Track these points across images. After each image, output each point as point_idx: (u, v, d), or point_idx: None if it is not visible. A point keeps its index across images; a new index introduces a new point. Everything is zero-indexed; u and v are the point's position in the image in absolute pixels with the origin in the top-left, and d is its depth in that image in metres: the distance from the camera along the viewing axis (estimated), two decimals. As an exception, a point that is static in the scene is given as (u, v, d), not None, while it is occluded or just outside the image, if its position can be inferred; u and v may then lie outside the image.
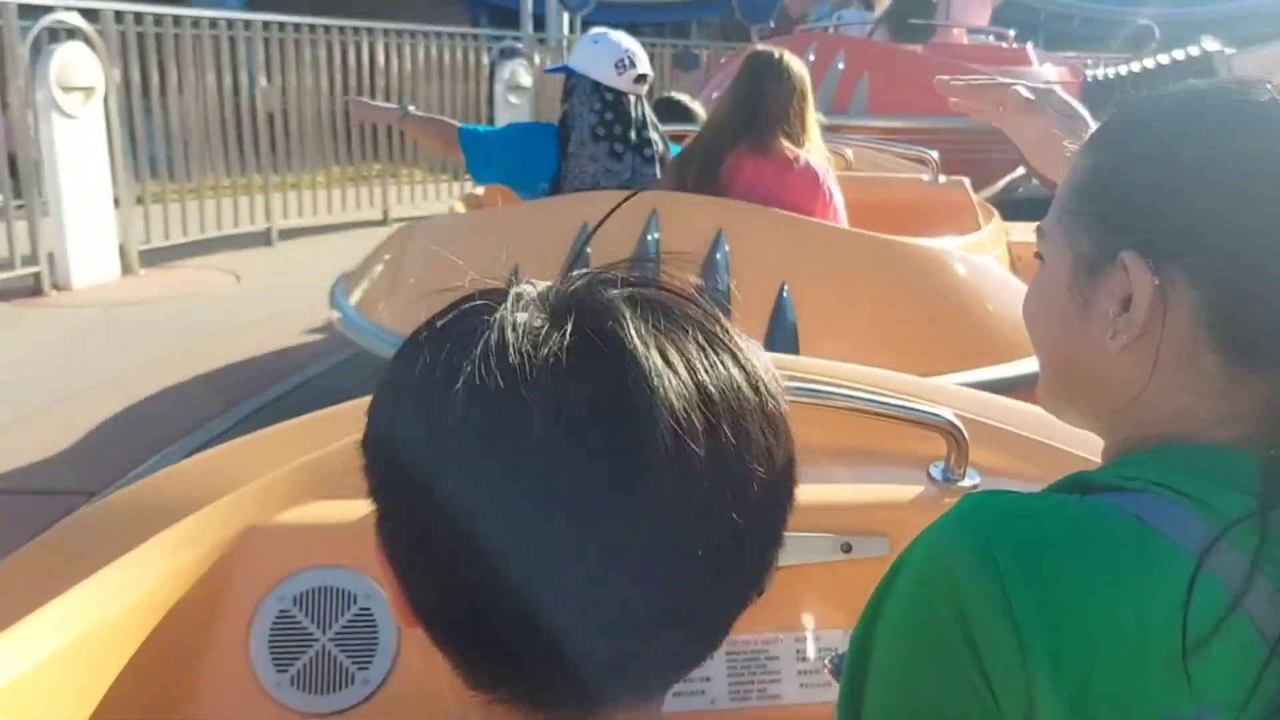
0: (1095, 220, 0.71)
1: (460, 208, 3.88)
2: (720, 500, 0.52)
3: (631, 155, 3.06)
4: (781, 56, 2.96)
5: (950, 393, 1.54)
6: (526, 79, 9.41)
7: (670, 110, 4.00)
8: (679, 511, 0.50)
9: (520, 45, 9.87)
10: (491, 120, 8.90)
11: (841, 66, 5.30)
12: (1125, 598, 0.62)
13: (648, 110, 3.17)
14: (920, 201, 3.88)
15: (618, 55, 3.05)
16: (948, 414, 1.29)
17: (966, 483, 1.30)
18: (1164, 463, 0.68)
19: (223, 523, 1.17)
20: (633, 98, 3.09)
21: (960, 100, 1.21)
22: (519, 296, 0.54)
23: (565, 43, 11.11)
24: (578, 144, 3.06)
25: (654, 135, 3.14)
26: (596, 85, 3.06)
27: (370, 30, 8.36)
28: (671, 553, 0.51)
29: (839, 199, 3.01)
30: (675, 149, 3.22)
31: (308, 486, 1.24)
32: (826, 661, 1.12)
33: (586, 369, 0.50)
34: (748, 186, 2.90)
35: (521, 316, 0.53)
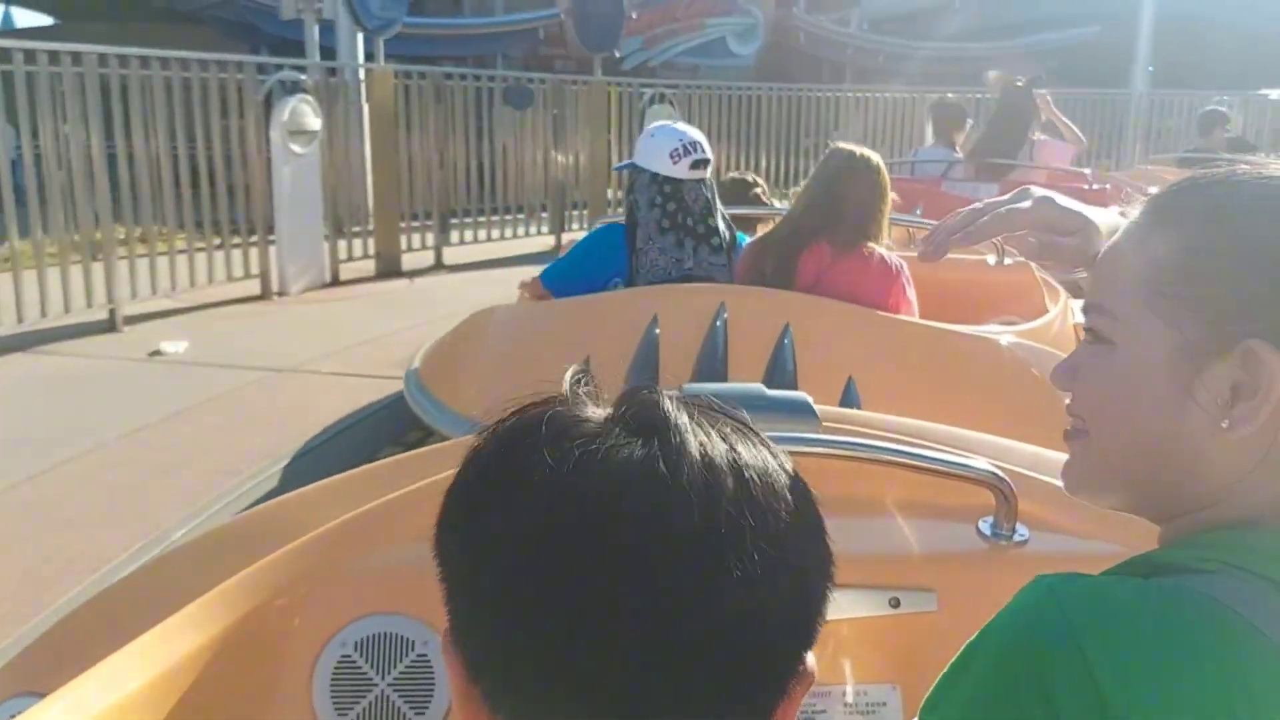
0: (1206, 304, 0.68)
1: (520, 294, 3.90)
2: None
3: (696, 244, 3.05)
4: (863, 155, 2.97)
5: (999, 447, 1.52)
6: (314, 121, 7.59)
7: (739, 191, 4.02)
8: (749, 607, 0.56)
9: (303, 79, 7.78)
10: (269, 173, 7.39)
11: (920, 212, 5.11)
12: (1220, 692, 0.59)
13: (712, 196, 3.14)
14: (986, 284, 3.84)
15: (672, 144, 3.04)
16: (996, 469, 1.27)
17: (1016, 538, 1.27)
18: (1241, 544, 0.66)
19: (287, 570, 1.20)
20: (691, 184, 3.06)
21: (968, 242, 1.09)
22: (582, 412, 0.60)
23: (362, 75, 8.73)
24: (645, 239, 3.05)
25: (719, 223, 3.12)
26: (654, 176, 3.04)
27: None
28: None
29: (912, 292, 2.98)
30: (742, 238, 3.22)
31: (367, 535, 1.26)
32: None
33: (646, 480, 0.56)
34: (825, 281, 2.89)
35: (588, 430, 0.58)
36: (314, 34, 9.95)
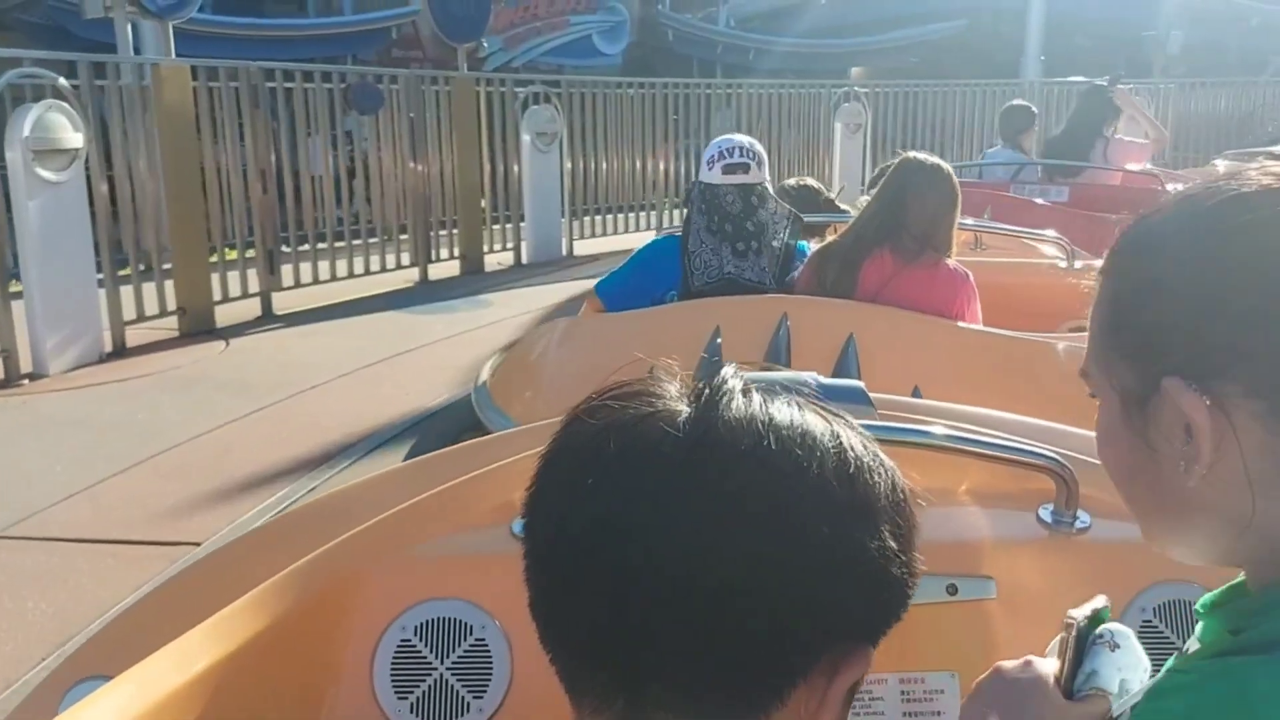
0: (1129, 352, 0.67)
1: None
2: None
3: (732, 248, 3.06)
4: (934, 165, 2.95)
5: (1058, 433, 1.47)
6: (72, 136, 5.35)
7: (807, 198, 3.90)
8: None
9: (59, 81, 5.40)
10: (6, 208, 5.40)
11: (988, 216, 4.87)
12: None
13: (759, 201, 3.11)
14: (1054, 288, 3.66)
15: (712, 151, 3.15)
16: (1056, 454, 1.27)
17: (1077, 525, 1.27)
18: None
19: (349, 556, 1.22)
20: (726, 189, 3.08)
21: None
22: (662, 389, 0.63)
23: (146, 73, 6.16)
24: (696, 243, 3.09)
25: (762, 228, 3.09)
26: (698, 184, 3.16)
27: None
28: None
29: (977, 304, 2.96)
30: (803, 246, 3.22)
31: (427, 522, 1.28)
32: None
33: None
34: (888, 290, 2.88)
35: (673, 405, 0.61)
36: (128, 35, 7.75)
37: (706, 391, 0.61)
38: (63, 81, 5.47)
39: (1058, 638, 0.80)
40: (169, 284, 6.28)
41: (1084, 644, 0.78)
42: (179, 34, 7.46)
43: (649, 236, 10.51)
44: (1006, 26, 21.64)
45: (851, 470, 0.60)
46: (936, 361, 2.71)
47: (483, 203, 8.93)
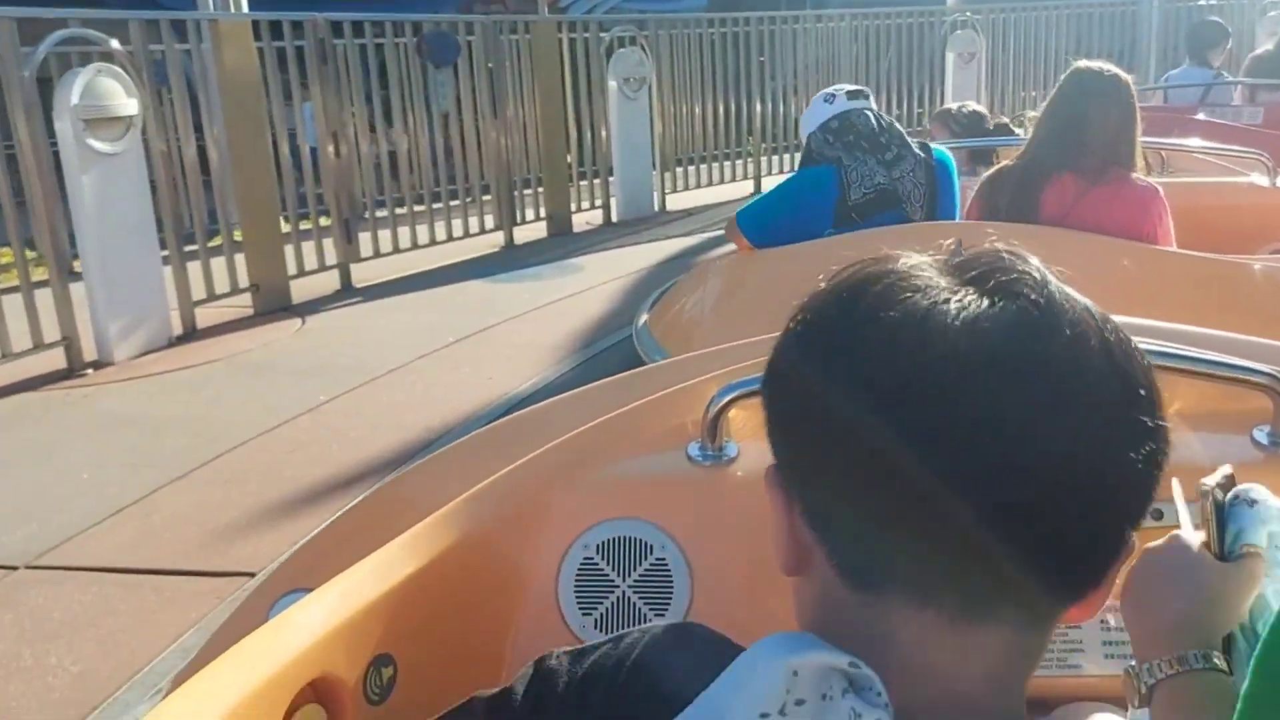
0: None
1: None
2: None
3: (871, 159, 2.95)
4: (1111, 74, 2.73)
5: (1276, 350, 1.39)
6: (126, 103, 4.83)
7: (975, 123, 3.94)
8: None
9: (111, 44, 4.91)
10: (60, 183, 4.91)
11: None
12: None
13: (889, 123, 3.05)
14: (1253, 209, 3.49)
15: (823, 95, 3.11)
16: (1275, 371, 1.21)
17: None
18: None
19: (532, 478, 1.25)
20: (855, 111, 3.01)
21: None
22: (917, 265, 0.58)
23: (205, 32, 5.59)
24: (850, 158, 2.96)
25: (890, 136, 3.00)
26: (821, 126, 3.02)
27: None
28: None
29: (1169, 222, 2.74)
30: (942, 155, 3.10)
31: (607, 444, 1.30)
32: (1126, 670, 0.82)
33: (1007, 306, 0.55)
34: (1072, 215, 2.69)
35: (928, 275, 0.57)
36: None
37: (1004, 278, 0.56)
38: (115, 43, 5.01)
39: (1187, 508, 0.86)
40: (241, 259, 5.83)
41: (1223, 508, 0.80)
42: None
43: (746, 187, 9.88)
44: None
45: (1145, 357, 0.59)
46: (1127, 287, 2.50)
47: (569, 158, 8.32)
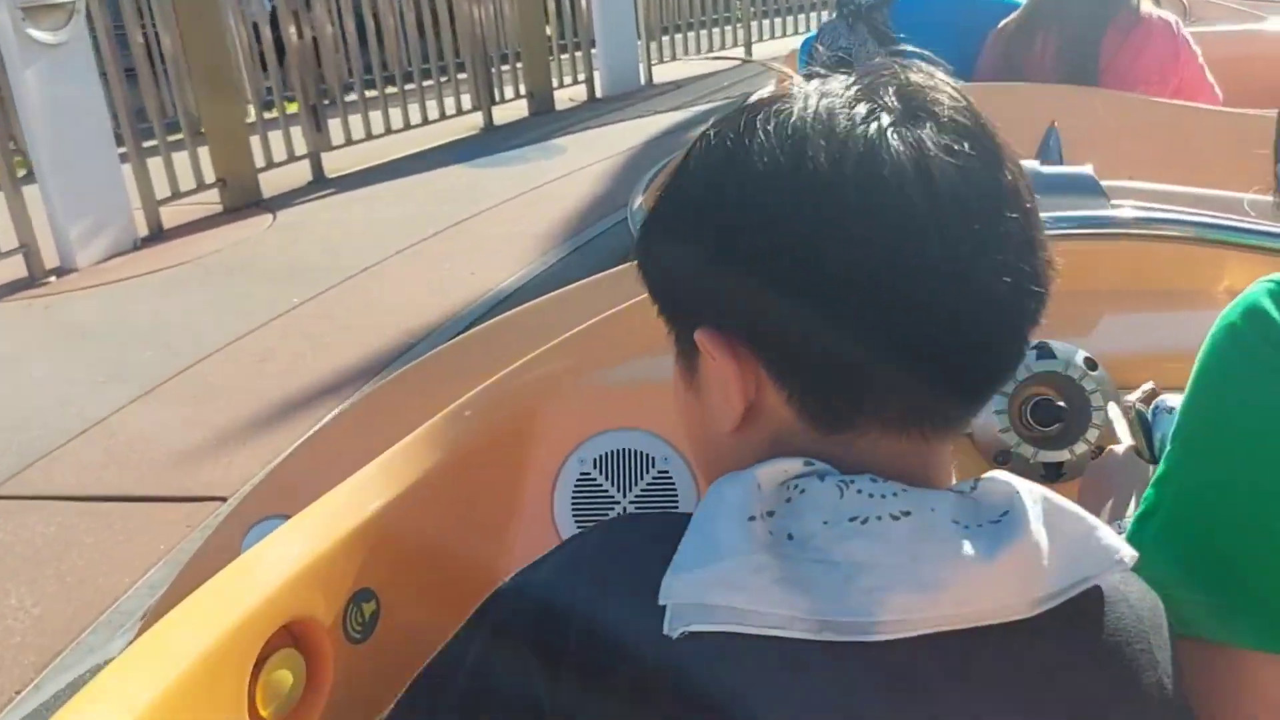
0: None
1: None
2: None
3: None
4: None
5: None
6: None
7: None
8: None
9: None
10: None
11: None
12: None
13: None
14: None
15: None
16: None
17: None
18: None
19: (522, 386, 1.15)
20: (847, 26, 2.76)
21: None
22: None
23: None
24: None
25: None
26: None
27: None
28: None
29: (1200, 60, 2.45)
30: None
31: (602, 348, 1.19)
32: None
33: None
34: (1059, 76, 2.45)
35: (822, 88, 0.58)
36: None
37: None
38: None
39: (1115, 420, 0.99)
40: (205, 153, 5.51)
41: (1146, 418, 0.91)
42: None
43: (738, 54, 9.44)
44: None
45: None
46: (1159, 150, 2.31)
47: (548, 30, 7.87)
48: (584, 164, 5.80)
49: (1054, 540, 0.54)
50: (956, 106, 0.57)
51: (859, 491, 0.53)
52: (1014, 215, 0.56)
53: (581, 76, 8.02)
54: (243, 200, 5.53)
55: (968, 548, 0.52)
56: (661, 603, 0.53)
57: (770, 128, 0.56)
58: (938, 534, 0.53)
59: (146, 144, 5.19)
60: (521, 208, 5.12)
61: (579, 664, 0.55)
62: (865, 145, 0.54)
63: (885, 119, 0.55)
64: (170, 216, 5.25)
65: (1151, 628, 0.58)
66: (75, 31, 4.64)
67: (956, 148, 0.55)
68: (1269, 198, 1.36)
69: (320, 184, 5.94)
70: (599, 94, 7.96)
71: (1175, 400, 0.84)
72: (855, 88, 0.57)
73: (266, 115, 6.02)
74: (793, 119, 0.56)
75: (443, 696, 0.59)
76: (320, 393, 3.23)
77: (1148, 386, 0.95)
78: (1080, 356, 1.18)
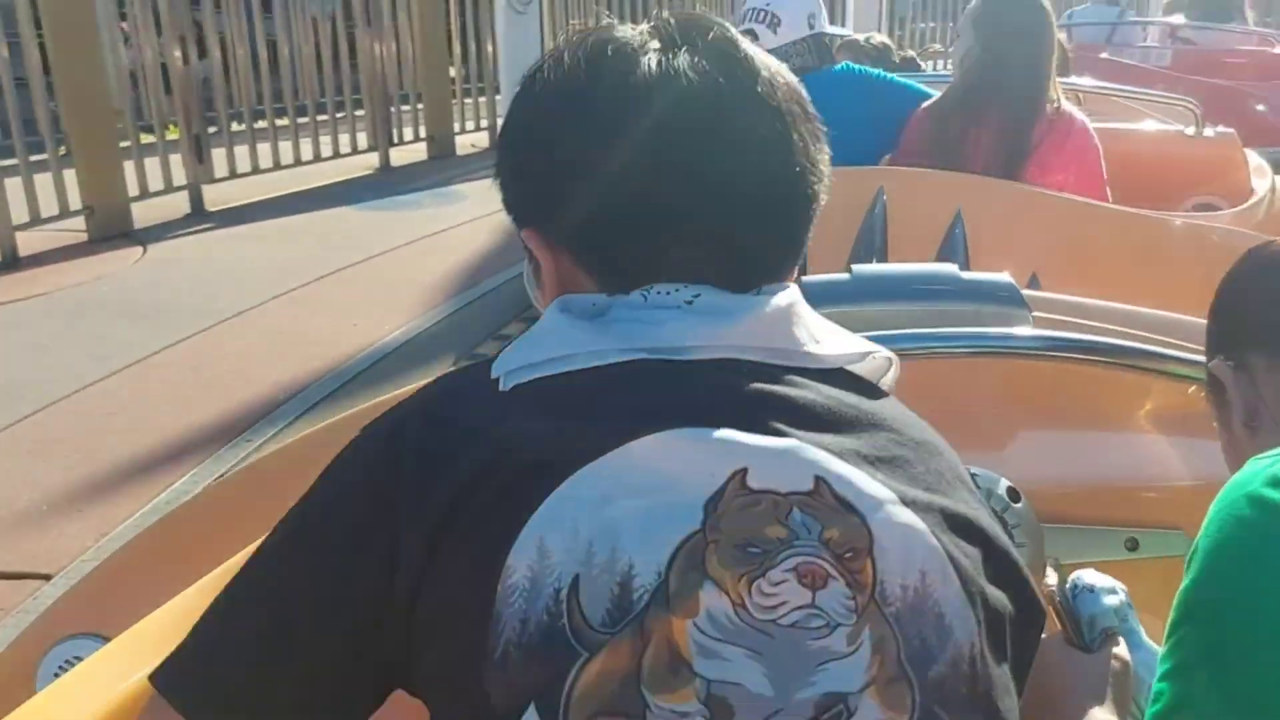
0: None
1: None
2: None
3: None
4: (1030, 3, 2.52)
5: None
6: None
7: (882, 57, 3.54)
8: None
9: None
10: None
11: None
12: None
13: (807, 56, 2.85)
14: (1182, 158, 3.34)
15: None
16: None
17: None
18: None
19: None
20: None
21: None
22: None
23: None
24: None
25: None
26: None
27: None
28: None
29: (1102, 161, 2.56)
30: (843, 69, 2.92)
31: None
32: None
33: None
34: (1003, 157, 2.51)
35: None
36: None
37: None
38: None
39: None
40: (73, 177, 5.08)
41: (1070, 602, 0.85)
42: None
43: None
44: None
45: None
46: (1058, 243, 2.37)
47: (452, 72, 7.65)
48: (483, 213, 5.56)
49: (818, 323, 0.70)
50: (720, 38, 0.69)
51: (659, 293, 0.67)
52: (760, 119, 0.68)
53: (484, 122, 7.82)
54: (111, 230, 5.12)
55: (747, 303, 0.67)
56: (494, 375, 0.64)
57: (561, 58, 0.70)
58: (723, 300, 0.67)
59: (4, 162, 4.76)
60: (414, 256, 4.86)
61: (420, 455, 0.62)
62: (624, 64, 0.67)
63: (654, 46, 0.69)
64: (28, 243, 4.81)
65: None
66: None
67: (707, 67, 0.67)
68: (1193, 318, 1.30)
69: (199, 217, 5.56)
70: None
71: (1093, 578, 0.85)
72: (649, 26, 0.71)
73: (145, 139, 5.62)
74: (581, 49, 0.69)
75: (301, 531, 0.65)
76: (171, 455, 2.89)
77: (1052, 569, 0.91)
78: (1003, 486, 1.12)
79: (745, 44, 0.70)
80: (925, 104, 2.75)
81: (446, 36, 7.45)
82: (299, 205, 5.81)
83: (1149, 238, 2.52)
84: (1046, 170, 2.53)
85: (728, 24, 0.71)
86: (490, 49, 7.78)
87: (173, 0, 5.48)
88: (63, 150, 5.07)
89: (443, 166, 6.98)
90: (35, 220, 4.89)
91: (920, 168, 2.57)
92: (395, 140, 7.02)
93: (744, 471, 0.59)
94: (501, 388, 0.63)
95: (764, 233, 0.70)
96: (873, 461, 0.63)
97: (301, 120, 6.52)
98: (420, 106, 7.31)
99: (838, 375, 0.68)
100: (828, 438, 0.63)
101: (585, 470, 0.59)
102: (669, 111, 0.66)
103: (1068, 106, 2.58)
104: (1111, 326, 1.24)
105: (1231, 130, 3.37)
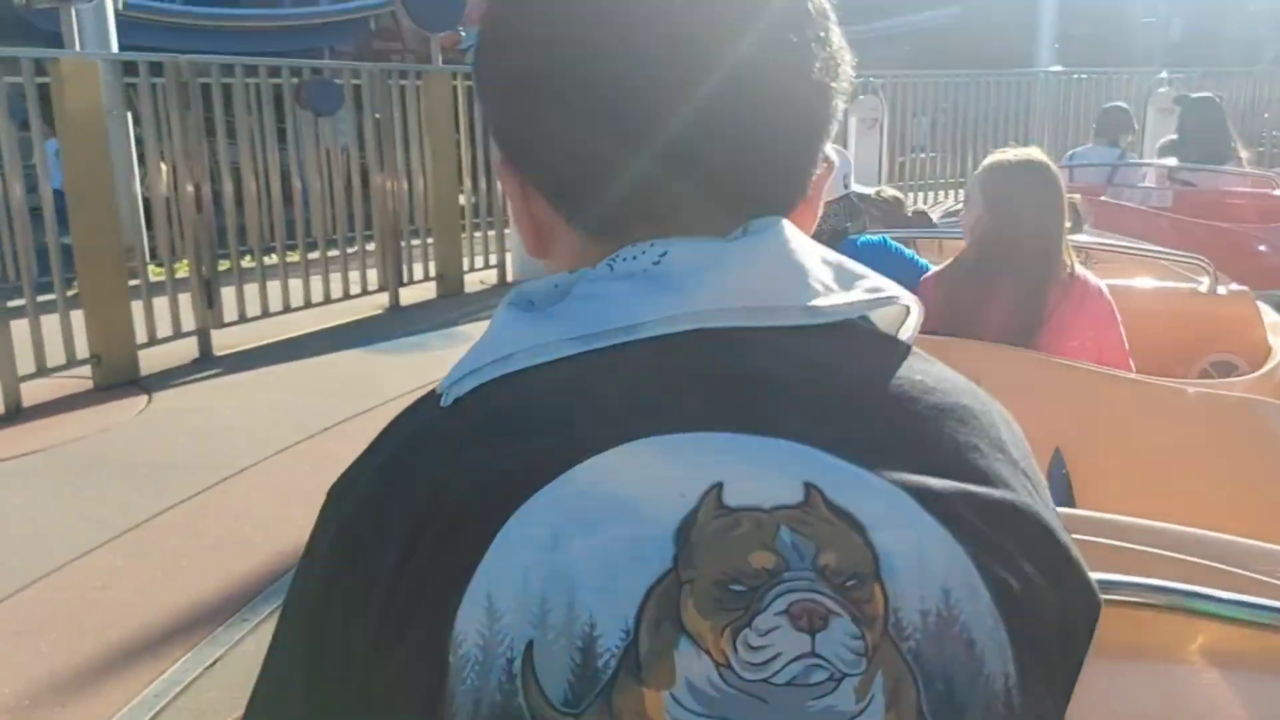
0: None
1: None
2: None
3: None
4: (1035, 161, 2.48)
5: None
6: None
7: (893, 210, 3.61)
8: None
9: None
10: None
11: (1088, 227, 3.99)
12: None
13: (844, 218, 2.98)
14: (1196, 316, 3.26)
15: None
16: None
17: None
18: None
19: None
20: None
21: None
22: None
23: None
24: None
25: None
26: None
27: None
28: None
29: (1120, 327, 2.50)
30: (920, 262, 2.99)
31: None
32: None
33: None
34: (1021, 325, 2.46)
35: None
36: (73, 26, 6.37)
37: None
38: None
39: None
40: (79, 320, 5.06)
41: None
42: (145, 26, 6.26)
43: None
44: (1002, 13, 20.53)
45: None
46: (1082, 416, 2.31)
47: (462, 211, 7.74)
48: (490, 356, 5.53)
49: (832, 270, 0.56)
50: None
51: (624, 260, 0.55)
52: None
53: (494, 259, 7.87)
54: (118, 378, 5.07)
55: (723, 251, 0.54)
56: (438, 391, 0.55)
57: None
58: (694, 253, 0.54)
59: (12, 303, 4.74)
60: (420, 404, 4.79)
61: (361, 520, 0.53)
62: None
63: None
64: (35, 393, 4.76)
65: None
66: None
67: None
68: (1247, 541, 1.20)
69: (206, 362, 5.52)
70: (509, 277, 7.80)
71: None
72: None
73: (154, 272, 5.63)
74: None
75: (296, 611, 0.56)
76: (164, 637, 2.76)
77: None
78: None
79: None
80: (934, 271, 2.71)
81: (458, 177, 7.56)
82: (308, 348, 5.78)
83: (1173, 408, 2.44)
84: (1063, 336, 2.46)
85: None
86: (501, 188, 7.89)
87: (188, 150, 5.56)
88: (72, 290, 5.07)
89: (450, 306, 6.99)
90: (42, 370, 4.85)
91: (934, 336, 2.49)
92: (405, 280, 7.05)
93: (719, 486, 0.48)
94: (443, 404, 0.53)
95: (760, 154, 0.56)
96: (879, 449, 0.51)
97: (312, 256, 6.54)
98: (430, 241, 7.36)
99: (840, 331, 0.55)
100: (822, 426, 0.51)
101: (530, 503, 0.47)
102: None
103: (1081, 270, 2.53)
104: (1157, 550, 1.15)
105: (1245, 288, 3.32)
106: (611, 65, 0.54)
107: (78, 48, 5.08)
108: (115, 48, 7.42)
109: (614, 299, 0.53)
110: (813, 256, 0.56)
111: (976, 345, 2.49)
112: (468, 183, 7.87)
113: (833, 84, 0.57)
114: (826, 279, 0.55)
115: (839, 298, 0.55)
